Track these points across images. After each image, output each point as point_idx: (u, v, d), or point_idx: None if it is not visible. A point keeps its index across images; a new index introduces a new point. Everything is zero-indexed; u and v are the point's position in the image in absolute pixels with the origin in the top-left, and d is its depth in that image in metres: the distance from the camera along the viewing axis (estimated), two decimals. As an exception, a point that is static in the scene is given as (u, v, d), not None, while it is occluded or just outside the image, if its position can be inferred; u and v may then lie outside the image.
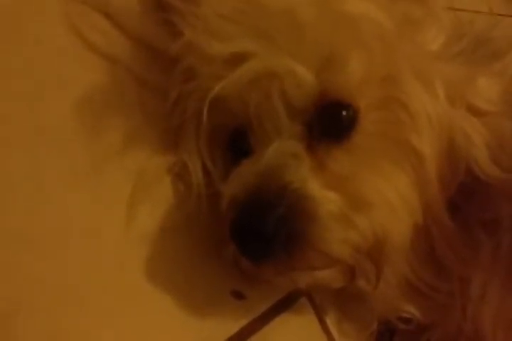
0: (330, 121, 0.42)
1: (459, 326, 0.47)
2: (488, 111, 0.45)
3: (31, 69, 0.45)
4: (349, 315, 0.50)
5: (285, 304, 0.48)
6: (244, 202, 0.40)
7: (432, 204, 0.44)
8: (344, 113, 0.42)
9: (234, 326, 0.45)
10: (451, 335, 0.48)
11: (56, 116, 0.44)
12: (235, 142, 0.46)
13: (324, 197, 0.39)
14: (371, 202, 0.40)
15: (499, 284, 0.46)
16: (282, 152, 0.41)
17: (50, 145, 0.43)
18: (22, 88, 0.43)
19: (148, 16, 0.51)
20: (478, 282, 0.46)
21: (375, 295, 0.46)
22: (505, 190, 0.44)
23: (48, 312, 0.37)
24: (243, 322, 0.45)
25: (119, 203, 0.44)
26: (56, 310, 0.37)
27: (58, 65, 0.46)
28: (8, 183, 0.40)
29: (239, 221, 0.39)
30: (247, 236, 0.39)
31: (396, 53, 0.43)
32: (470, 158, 0.44)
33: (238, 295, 0.46)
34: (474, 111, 0.45)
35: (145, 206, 0.44)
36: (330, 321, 0.50)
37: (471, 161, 0.44)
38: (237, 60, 0.40)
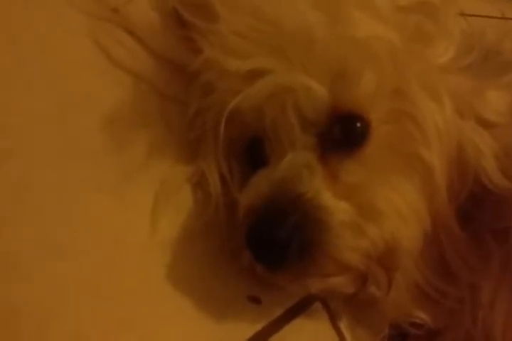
0: (342, 133, 0.43)
1: (469, 331, 0.47)
2: (497, 123, 0.46)
3: (60, 85, 0.47)
4: (362, 320, 0.51)
5: (300, 309, 0.49)
6: (260, 211, 0.41)
7: (441, 213, 0.45)
8: (357, 125, 0.43)
9: (249, 330, 0.45)
10: (462, 340, 0.49)
11: (83, 130, 0.46)
12: (252, 153, 0.47)
13: (336, 207, 0.41)
14: (381, 211, 0.41)
15: (509, 291, 0.46)
16: (296, 163, 0.42)
17: (78, 157, 0.45)
18: (51, 103, 0.46)
19: (169, 33, 0.52)
20: (488, 289, 0.46)
21: (387, 301, 0.47)
22: (514, 199, 0.45)
23: (74, 315, 0.39)
24: (258, 326, 0.46)
25: (142, 211, 0.45)
26: (81, 312, 0.39)
27: (85, 80, 0.48)
28: (39, 193, 0.42)
29: (254, 229, 0.41)
30: (261, 243, 0.40)
31: (406, 68, 0.44)
32: (479, 168, 0.45)
33: (254, 300, 0.47)
34: (483, 123, 0.46)
35: (166, 213, 0.46)
36: (343, 326, 0.50)
37: (479, 172, 0.45)
38: (254, 75, 0.41)
